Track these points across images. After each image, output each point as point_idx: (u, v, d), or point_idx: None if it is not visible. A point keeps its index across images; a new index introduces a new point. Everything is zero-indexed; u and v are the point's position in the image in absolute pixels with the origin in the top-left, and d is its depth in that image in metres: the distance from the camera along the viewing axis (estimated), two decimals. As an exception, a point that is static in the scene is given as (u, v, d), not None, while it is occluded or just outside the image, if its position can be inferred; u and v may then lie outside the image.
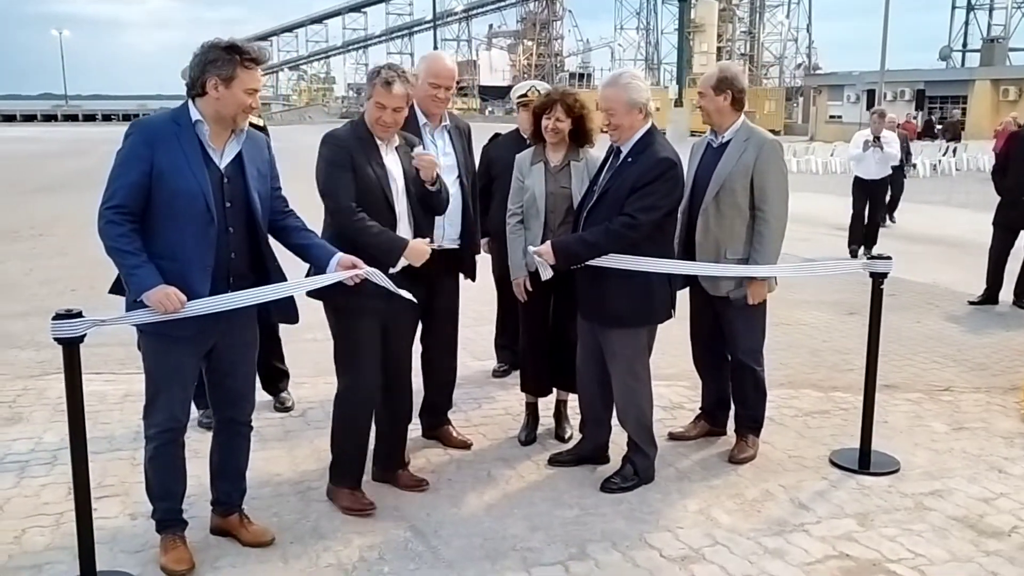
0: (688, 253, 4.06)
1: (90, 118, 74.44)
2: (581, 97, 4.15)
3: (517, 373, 4.90)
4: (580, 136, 4.16)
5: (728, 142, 4.02)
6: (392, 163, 3.59)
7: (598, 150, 4.16)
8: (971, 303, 7.71)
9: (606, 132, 3.79)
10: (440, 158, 4.10)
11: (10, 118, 74.39)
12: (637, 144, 3.69)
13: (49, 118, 75.39)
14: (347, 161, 3.47)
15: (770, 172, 3.96)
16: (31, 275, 8.86)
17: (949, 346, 6.40)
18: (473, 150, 4.46)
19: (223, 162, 3.07)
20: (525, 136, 4.80)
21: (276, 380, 4.96)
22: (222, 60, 2.97)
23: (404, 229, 3.58)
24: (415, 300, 3.49)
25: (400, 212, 3.58)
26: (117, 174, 2.95)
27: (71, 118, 75.06)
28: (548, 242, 3.77)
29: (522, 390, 4.53)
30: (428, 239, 3.59)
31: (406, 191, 3.61)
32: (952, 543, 3.43)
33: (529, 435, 4.44)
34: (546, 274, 3.76)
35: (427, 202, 3.68)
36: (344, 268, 3.27)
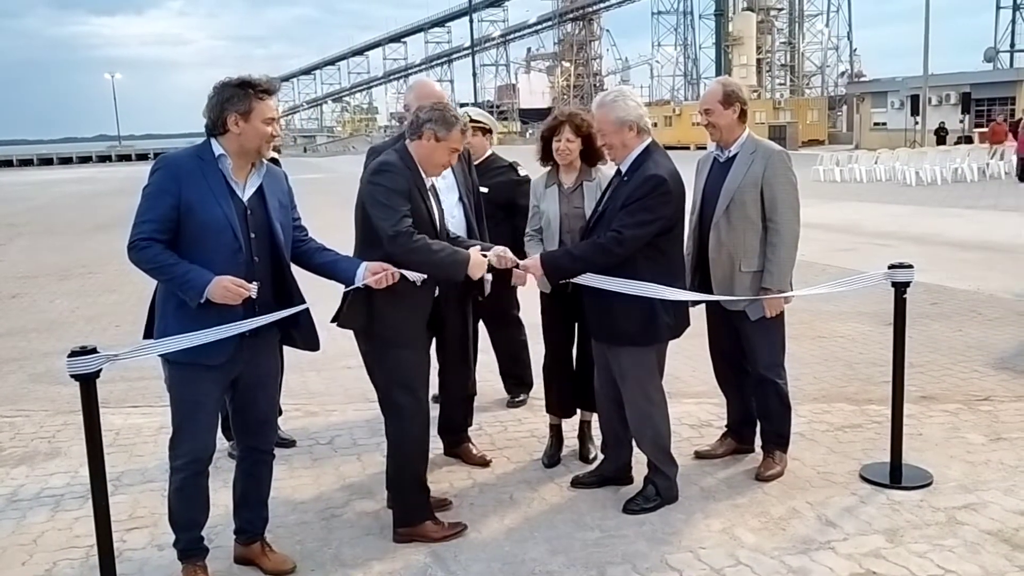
0: (702, 268, 4.03)
1: (143, 157, 76.35)
2: (588, 117, 4.14)
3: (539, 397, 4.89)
4: (591, 155, 4.18)
5: (735, 156, 3.99)
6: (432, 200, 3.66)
7: (612, 168, 4.16)
8: None
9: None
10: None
11: (67, 160, 76.79)
12: (633, 163, 3.69)
13: (104, 159, 77.68)
14: (407, 190, 3.48)
15: (779, 183, 3.93)
16: (77, 312, 9.12)
17: (991, 355, 6.23)
18: (474, 170, 4.48)
19: (246, 195, 3.16)
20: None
21: None
22: (237, 96, 3.07)
23: None
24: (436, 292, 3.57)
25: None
26: (145, 208, 3.05)
27: (124, 158, 77.22)
28: (536, 256, 3.79)
29: (547, 411, 4.53)
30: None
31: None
32: (984, 558, 3.33)
33: (553, 457, 4.42)
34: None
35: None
36: (374, 273, 3.32)
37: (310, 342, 3.40)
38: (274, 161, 4.73)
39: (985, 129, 31.34)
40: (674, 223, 3.68)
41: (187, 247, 3.04)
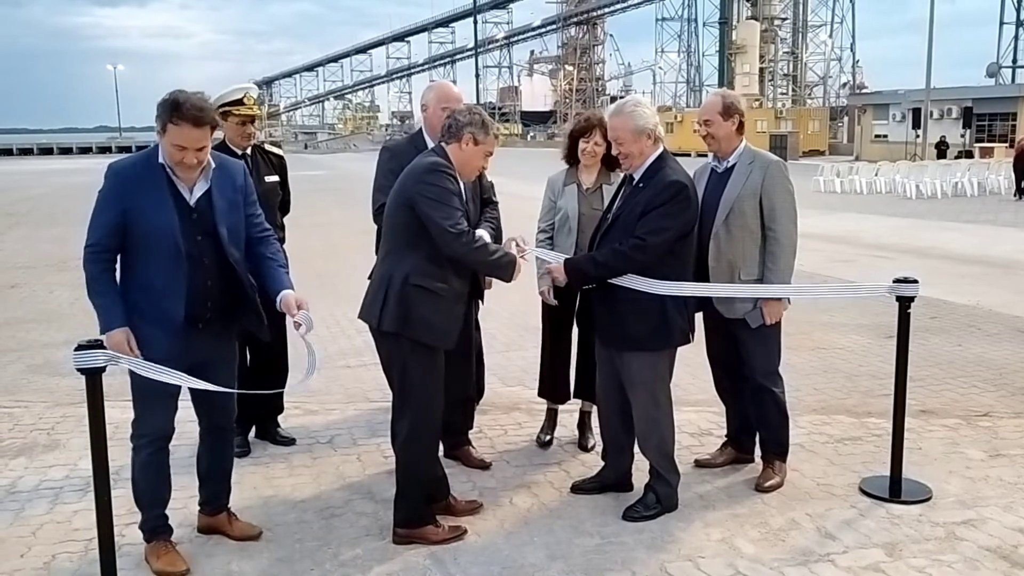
0: (701, 278, 4.02)
1: (143, 149, 76.02)
2: None
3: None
4: (612, 161, 4.25)
5: (733, 166, 4.02)
6: None
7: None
8: None
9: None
10: None
11: (67, 150, 76.71)
12: (648, 170, 3.71)
13: (104, 150, 77.15)
14: (459, 192, 3.52)
15: (777, 192, 3.96)
16: (76, 304, 9.07)
17: (990, 370, 6.24)
18: (484, 176, 4.48)
19: (193, 198, 3.26)
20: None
21: (270, 421, 4.85)
22: (162, 112, 3.16)
23: None
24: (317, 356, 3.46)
25: None
26: (94, 215, 3.22)
27: (125, 150, 76.52)
28: (560, 261, 3.85)
29: (539, 395, 4.71)
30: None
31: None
32: (983, 574, 3.33)
33: (546, 438, 4.65)
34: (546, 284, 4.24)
35: None
36: (287, 306, 3.37)
37: (259, 328, 3.47)
38: (277, 156, 4.76)
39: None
40: (691, 228, 3.74)
41: (136, 251, 3.20)
